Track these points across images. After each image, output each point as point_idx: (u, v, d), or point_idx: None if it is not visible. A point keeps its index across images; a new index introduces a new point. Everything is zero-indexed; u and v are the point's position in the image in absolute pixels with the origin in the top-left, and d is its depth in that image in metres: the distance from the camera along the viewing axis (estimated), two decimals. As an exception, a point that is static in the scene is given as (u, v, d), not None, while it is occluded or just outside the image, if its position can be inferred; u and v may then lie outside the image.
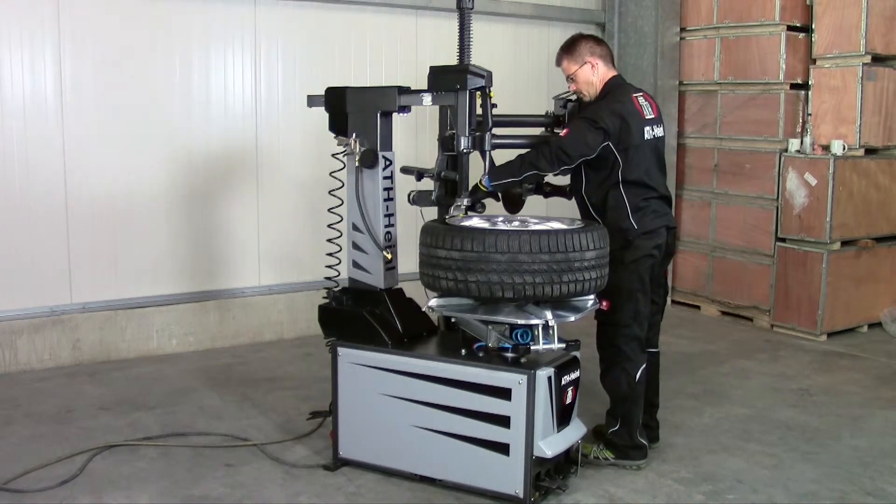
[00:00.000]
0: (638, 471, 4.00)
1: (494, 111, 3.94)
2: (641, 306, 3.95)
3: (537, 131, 4.36)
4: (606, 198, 3.94)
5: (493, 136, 3.98)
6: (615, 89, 4.00)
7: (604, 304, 3.87)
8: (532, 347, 3.63)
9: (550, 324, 3.60)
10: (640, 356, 3.98)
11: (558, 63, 4.10)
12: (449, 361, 3.69)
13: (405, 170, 4.24)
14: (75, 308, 5.64)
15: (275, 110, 6.26)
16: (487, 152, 3.94)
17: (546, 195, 4.31)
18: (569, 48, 4.05)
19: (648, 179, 3.95)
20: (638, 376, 3.95)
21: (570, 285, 3.48)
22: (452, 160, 4.07)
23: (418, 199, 4.16)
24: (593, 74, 4.00)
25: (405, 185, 4.21)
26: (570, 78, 4.06)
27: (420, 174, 4.19)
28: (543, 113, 4.38)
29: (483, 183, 3.90)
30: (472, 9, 4.03)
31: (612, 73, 4.05)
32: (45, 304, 5.54)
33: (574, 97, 4.18)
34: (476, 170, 3.97)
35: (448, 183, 4.08)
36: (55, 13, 5.38)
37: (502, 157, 4.19)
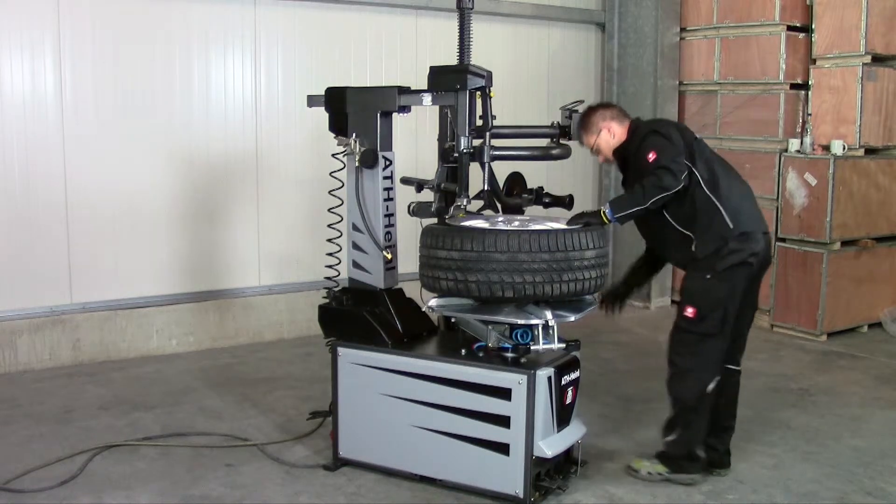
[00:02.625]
0: (692, 485, 3.84)
1: (496, 122, 3.92)
2: (730, 317, 3.76)
3: (542, 142, 4.32)
4: (694, 204, 3.74)
5: (494, 147, 3.97)
6: (641, 125, 3.93)
7: (689, 311, 3.72)
8: (532, 347, 3.63)
9: (550, 324, 3.60)
10: (717, 368, 3.81)
11: (581, 142, 4.04)
12: (449, 361, 3.68)
13: (405, 181, 4.23)
14: (75, 308, 5.64)
15: (275, 110, 6.26)
16: (487, 164, 3.92)
17: (546, 206, 4.29)
18: (582, 124, 4.00)
19: (725, 175, 3.82)
20: (710, 388, 3.78)
21: (570, 284, 3.48)
22: (452, 171, 4.05)
23: (418, 210, 4.13)
24: (612, 137, 3.94)
25: (405, 195, 4.20)
26: (595, 150, 4.00)
27: (420, 185, 4.17)
28: (549, 123, 4.34)
29: (606, 215, 3.65)
30: (472, 9, 4.03)
31: (628, 122, 3.97)
32: (45, 304, 5.55)
33: (578, 107, 4.16)
34: (476, 174, 3.95)
35: (448, 194, 4.06)
36: (55, 14, 5.38)
37: (507, 167, 4.20)
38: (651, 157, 3.69)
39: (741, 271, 3.75)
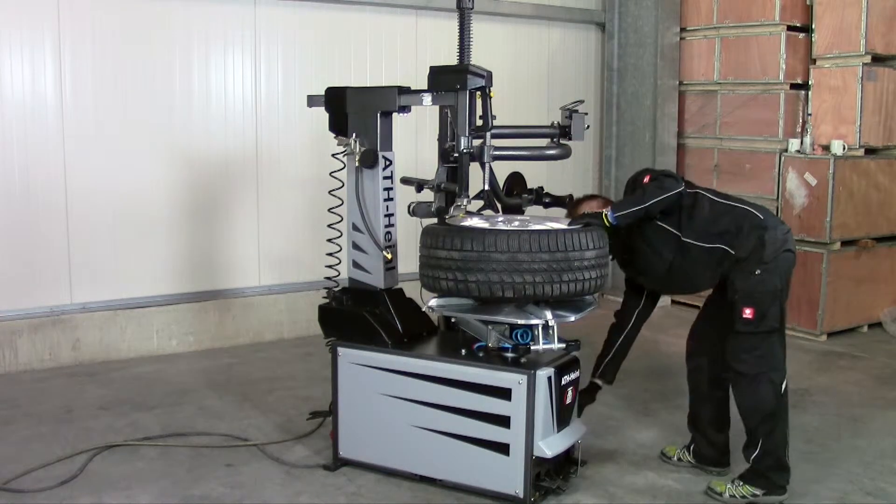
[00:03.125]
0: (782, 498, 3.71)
1: (496, 122, 3.92)
2: (784, 309, 3.69)
3: (542, 142, 4.32)
4: (715, 211, 3.74)
5: (494, 147, 3.96)
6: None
7: (747, 312, 3.60)
8: (532, 347, 3.63)
9: (550, 324, 3.60)
10: (784, 366, 3.72)
11: None
12: (449, 361, 3.69)
13: (405, 181, 4.23)
14: (75, 308, 5.64)
15: (275, 110, 6.26)
16: (487, 164, 3.92)
17: (546, 206, 4.28)
18: (569, 216, 4.01)
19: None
20: (784, 387, 3.69)
21: (570, 284, 3.47)
22: (452, 171, 4.05)
23: (418, 210, 4.14)
24: None
25: (405, 195, 4.21)
26: None
27: (420, 185, 4.17)
28: (549, 123, 4.33)
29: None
30: (472, 9, 4.03)
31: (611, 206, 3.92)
32: (45, 304, 5.55)
33: (578, 107, 4.16)
34: (476, 174, 3.95)
35: (448, 194, 4.07)
36: (55, 14, 5.38)
37: (507, 167, 4.19)
38: (647, 178, 3.74)
39: (786, 259, 3.68)
